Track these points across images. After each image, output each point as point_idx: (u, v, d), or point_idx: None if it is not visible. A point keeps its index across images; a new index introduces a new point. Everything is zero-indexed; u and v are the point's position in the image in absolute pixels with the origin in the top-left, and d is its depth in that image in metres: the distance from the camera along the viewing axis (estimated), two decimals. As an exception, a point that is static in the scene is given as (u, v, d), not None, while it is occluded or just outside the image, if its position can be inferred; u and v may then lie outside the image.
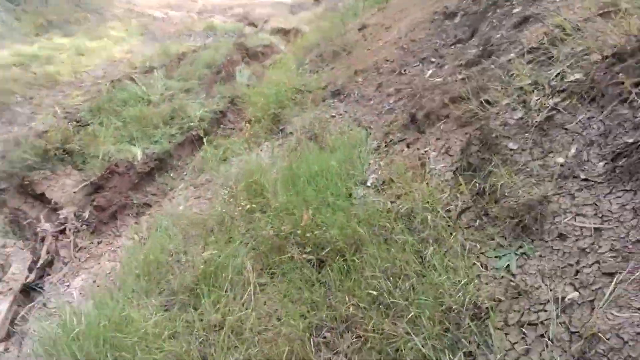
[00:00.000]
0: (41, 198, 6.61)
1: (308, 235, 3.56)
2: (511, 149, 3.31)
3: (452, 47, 7.02)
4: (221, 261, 3.59)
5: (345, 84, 7.82)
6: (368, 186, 4.42)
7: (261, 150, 6.20)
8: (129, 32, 15.66)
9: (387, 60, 7.81)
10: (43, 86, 9.62)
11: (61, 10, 15.04)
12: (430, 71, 6.48)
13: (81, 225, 6.16)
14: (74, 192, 6.53)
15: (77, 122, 7.76)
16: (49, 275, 5.35)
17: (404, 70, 7.09)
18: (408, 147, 4.81)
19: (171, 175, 7.40)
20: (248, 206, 4.22)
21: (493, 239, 2.94)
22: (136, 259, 4.13)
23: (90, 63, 11.41)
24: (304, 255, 3.47)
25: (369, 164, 4.90)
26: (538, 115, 3.37)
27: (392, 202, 3.82)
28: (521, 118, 3.48)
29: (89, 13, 16.79)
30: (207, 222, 4.39)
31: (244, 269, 3.52)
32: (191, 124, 8.22)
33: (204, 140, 6.91)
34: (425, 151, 4.36)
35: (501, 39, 5.17)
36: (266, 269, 3.63)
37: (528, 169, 3.09)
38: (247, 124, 8.55)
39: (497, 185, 3.11)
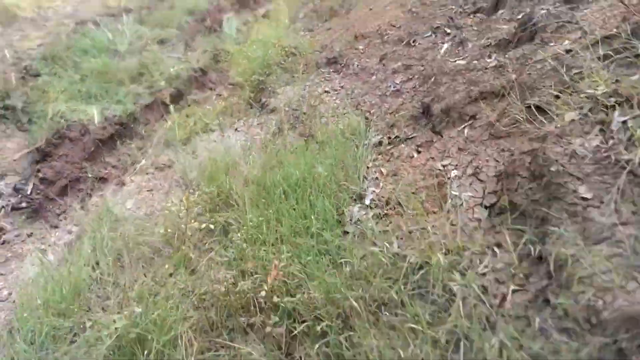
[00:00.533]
0: (-24, 163, 5.35)
1: (276, 299, 2.44)
2: (584, 198, 2.17)
3: (472, 16, 5.70)
4: (147, 326, 2.45)
5: (343, 50, 6.49)
6: (366, 205, 3.28)
7: (236, 130, 4.96)
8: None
9: (393, 26, 6.47)
10: (-2, 22, 8.05)
11: None
12: (445, 46, 5.20)
13: (19, 203, 4.96)
14: (14, 160, 5.27)
15: (26, 71, 6.35)
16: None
17: (413, 41, 5.79)
18: (419, 151, 3.64)
19: (135, 144, 6.14)
20: (203, 225, 3.07)
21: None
22: (32, 305, 2.88)
23: (58, -2, 9.74)
24: (269, 329, 2.36)
25: (368, 167, 3.73)
26: (627, 149, 2.22)
27: (398, 244, 2.70)
28: (598, 148, 2.33)
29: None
30: (150, 241, 3.23)
31: (179, 343, 2.40)
32: (163, 82, 6.86)
33: (172, 107, 5.62)
34: (444, 166, 3.20)
35: (548, 16, 3.90)
36: (213, 347, 2.51)
37: (617, 241, 1.97)
38: (224, 91, 7.26)
39: (566, 257, 2.00)
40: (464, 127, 3.45)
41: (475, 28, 5.22)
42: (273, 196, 3.23)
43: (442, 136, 3.61)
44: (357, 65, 6.00)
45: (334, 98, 5.42)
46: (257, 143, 4.52)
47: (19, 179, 5.26)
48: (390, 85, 5.09)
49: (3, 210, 4.82)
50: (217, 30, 10.51)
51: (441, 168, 3.19)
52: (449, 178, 3.05)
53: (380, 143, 4.11)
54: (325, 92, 5.60)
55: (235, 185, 3.38)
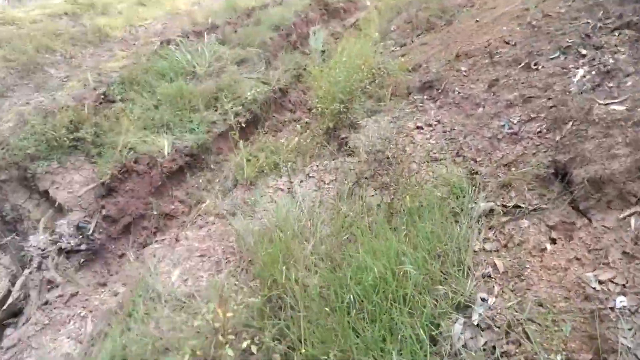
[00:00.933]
0: (47, 195, 5.07)
1: None
2: None
3: (616, 33, 4.36)
4: None
5: (441, 71, 5.40)
6: (473, 324, 2.25)
7: (307, 176, 4.10)
8: (205, -21, 13.63)
9: (506, 43, 5.25)
10: (90, 42, 8.01)
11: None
12: (580, 72, 3.96)
13: (79, 245, 4.55)
14: (78, 196, 4.89)
15: (104, 96, 6.05)
16: (12, 325, 3.80)
17: (535, 64, 4.57)
18: (553, 240, 2.51)
19: (205, 176, 5.56)
20: (244, 344, 2.25)
21: None
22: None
23: (149, 15, 9.65)
24: None
25: (475, 251, 2.68)
26: None
27: None
28: None
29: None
30: (181, 341, 2.47)
31: None
32: (239, 107, 6.24)
33: (241, 143, 4.94)
34: (601, 282, 2.07)
35: None
36: None
37: None
38: (303, 116, 6.49)
39: None
40: (630, 215, 2.27)
41: (624, 50, 3.89)
42: (340, 304, 2.32)
43: (590, 221, 2.45)
44: (459, 93, 4.89)
45: (428, 137, 4.37)
46: (329, 196, 3.63)
47: (83, 215, 4.88)
48: (504, 125, 3.94)
49: (57, 257, 4.42)
50: (302, 44, 9.85)
51: (596, 286, 2.07)
52: (611, 309, 1.92)
53: (491, 211, 3.02)
54: (417, 127, 4.57)
55: (291, 279, 2.53)
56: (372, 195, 3.64)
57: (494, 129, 3.99)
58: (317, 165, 4.18)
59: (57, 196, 4.94)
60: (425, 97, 5.21)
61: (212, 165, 5.72)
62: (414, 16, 8.09)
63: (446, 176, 3.60)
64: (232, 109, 6.21)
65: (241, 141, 5.05)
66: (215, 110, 6.14)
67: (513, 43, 5.18)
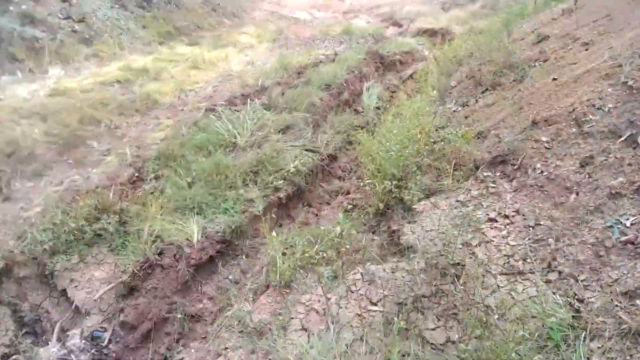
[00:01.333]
0: (66, 294, 4.54)
1: None
2: None
3: None
4: None
5: (515, 141, 4.39)
6: None
7: (348, 291, 3.19)
8: (260, 38, 13.63)
9: (597, 108, 4.18)
10: (137, 111, 7.79)
11: (194, 16, 13.54)
12: None
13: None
14: (95, 300, 4.29)
15: (138, 174, 5.60)
16: None
17: (642, 138, 3.49)
18: None
19: (240, 264, 4.84)
20: None
21: None
22: None
23: (201, 79, 9.44)
24: None
25: None
26: None
27: None
28: None
29: (226, 17, 15.20)
30: None
31: None
32: (280, 182, 5.54)
33: (274, 235, 4.17)
34: None
35: None
36: None
37: None
38: (352, 190, 5.67)
39: None
40: None
41: None
42: None
43: None
44: (541, 172, 3.85)
45: (505, 234, 3.35)
46: (376, 323, 2.71)
47: (101, 319, 4.26)
48: (611, 226, 2.87)
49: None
50: (355, 102, 9.17)
51: None
52: None
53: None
54: (490, 220, 3.56)
55: None
56: (434, 329, 2.68)
57: (597, 230, 2.93)
58: (362, 274, 3.28)
59: (75, 297, 4.39)
60: (498, 174, 4.21)
61: (247, 252, 5.00)
62: (476, 71, 7.15)
63: (537, 302, 2.59)
64: (272, 183, 5.53)
65: (273, 232, 4.25)
66: (254, 187, 5.47)
67: (606, 109, 4.10)
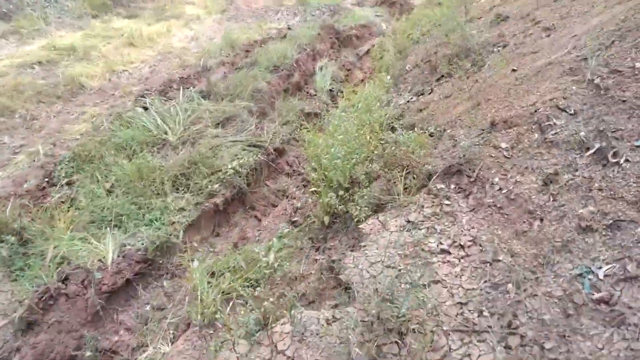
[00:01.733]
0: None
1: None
2: None
3: None
4: None
5: (472, 147, 3.83)
6: None
7: (277, 351, 2.59)
8: (208, 9, 12.49)
9: (561, 109, 3.65)
10: (60, 98, 6.79)
11: (135, -16, 12.18)
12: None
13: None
14: (-16, 338, 3.56)
15: (48, 180, 4.75)
16: None
17: (614, 154, 3.00)
18: None
19: (165, 287, 4.16)
20: None
21: None
22: None
23: (137, 57, 8.41)
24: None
25: None
26: None
27: None
28: None
29: (172, -15, 13.82)
30: None
31: None
32: (215, 186, 4.83)
33: (195, 263, 3.52)
34: None
35: None
36: None
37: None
38: (298, 196, 5.06)
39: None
40: None
41: None
42: None
43: None
44: (500, 188, 3.33)
45: (458, 272, 2.82)
46: None
47: (-6, 361, 3.54)
48: (581, 275, 2.37)
49: None
50: (308, 83, 8.40)
51: None
52: None
53: None
54: (442, 251, 3.02)
55: None
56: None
57: (564, 279, 2.42)
58: (292, 327, 2.69)
59: (-40, 334, 3.64)
60: (453, 187, 3.65)
61: (173, 270, 4.31)
62: (432, 54, 6.52)
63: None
64: (206, 188, 4.81)
65: (195, 261, 3.59)
66: (185, 193, 4.74)
67: (572, 111, 3.58)
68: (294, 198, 5.06)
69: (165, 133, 5.30)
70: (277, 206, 5.34)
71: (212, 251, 4.58)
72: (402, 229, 3.39)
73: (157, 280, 4.24)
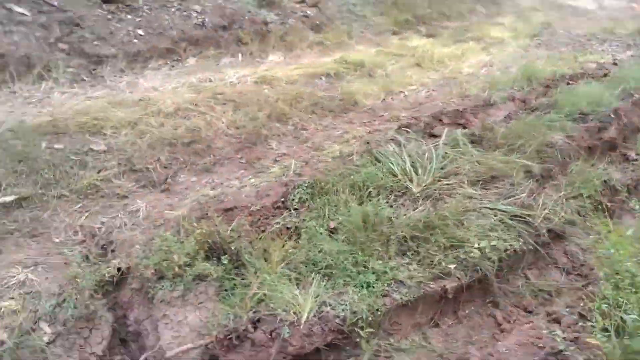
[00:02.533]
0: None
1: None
2: None
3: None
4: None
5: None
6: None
7: None
8: (517, 32, 11.02)
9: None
10: (332, 111, 6.78)
11: (442, 2, 11.67)
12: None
13: None
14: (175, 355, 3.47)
15: (283, 201, 4.54)
16: None
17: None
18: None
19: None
20: None
21: None
22: None
23: (418, 79, 7.85)
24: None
25: None
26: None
27: None
28: None
29: (482, 4, 12.85)
30: None
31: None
32: (450, 266, 3.69)
33: None
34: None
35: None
36: None
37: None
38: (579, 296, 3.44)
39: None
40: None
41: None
42: None
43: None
44: None
45: None
46: None
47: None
48: None
49: None
50: (627, 143, 6.09)
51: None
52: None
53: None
54: None
55: None
56: None
57: None
58: None
59: (162, 335, 3.66)
60: None
61: (370, 357, 3.44)
62: None
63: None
64: (439, 264, 3.74)
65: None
66: (413, 262, 3.78)
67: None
68: (558, 321, 3.43)
69: (410, 180, 4.43)
70: (530, 312, 3.81)
71: (424, 346, 3.52)
72: None
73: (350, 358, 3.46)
